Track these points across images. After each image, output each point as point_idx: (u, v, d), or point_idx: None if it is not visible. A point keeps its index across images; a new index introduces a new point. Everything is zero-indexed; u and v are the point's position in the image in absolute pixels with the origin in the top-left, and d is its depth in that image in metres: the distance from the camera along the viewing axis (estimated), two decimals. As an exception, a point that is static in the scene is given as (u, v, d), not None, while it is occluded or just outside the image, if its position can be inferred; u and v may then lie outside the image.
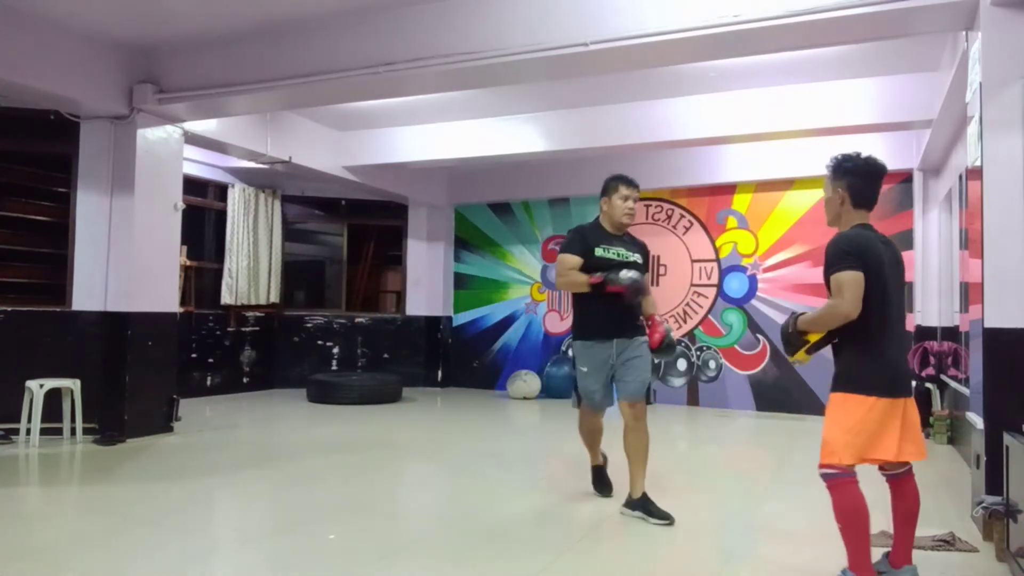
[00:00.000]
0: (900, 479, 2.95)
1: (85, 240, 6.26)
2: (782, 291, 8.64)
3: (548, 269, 10.14)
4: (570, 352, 4.26)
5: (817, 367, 8.25)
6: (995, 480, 3.46)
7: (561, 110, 7.74)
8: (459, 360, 10.68)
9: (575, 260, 3.99)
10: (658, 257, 9.34)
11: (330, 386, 8.77)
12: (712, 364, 8.96)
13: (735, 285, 8.91)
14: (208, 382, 9.04)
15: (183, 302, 8.12)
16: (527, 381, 9.58)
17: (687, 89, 6.93)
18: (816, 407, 8.30)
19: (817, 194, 8.48)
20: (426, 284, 10.63)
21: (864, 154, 2.97)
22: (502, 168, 9.89)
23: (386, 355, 10.34)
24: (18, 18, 5.36)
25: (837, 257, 2.81)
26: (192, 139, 6.91)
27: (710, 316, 9.02)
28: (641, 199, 9.46)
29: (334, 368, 10.07)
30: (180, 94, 6.10)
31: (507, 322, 10.38)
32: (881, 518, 3.95)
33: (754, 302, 8.79)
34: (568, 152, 7.93)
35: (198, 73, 6.06)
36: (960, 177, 5.78)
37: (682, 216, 9.22)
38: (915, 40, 5.46)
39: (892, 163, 7.93)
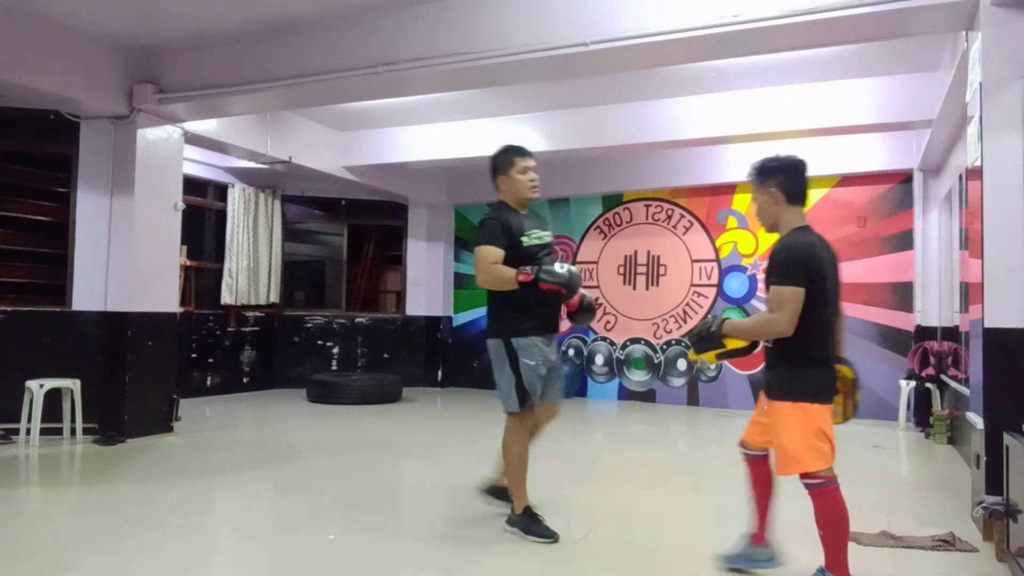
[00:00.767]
0: (759, 460, 3.13)
1: (85, 240, 6.26)
2: (782, 291, 8.62)
3: (548, 269, 10.13)
4: (490, 350, 3.70)
5: (817, 367, 8.29)
6: (995, 480, 3.46)
7: (561, 110, 7.74)
8: (459, 360, 10.68)
9: (498, 253, 3.51)
10: (658, 257, 9.34)
11: (330, 386, 8.77)
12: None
13: (735, 285, 8.91)
14: (208, 382, 9.04)
15: (183, 302, 8.12)
16: (527, 381, 9.56)
17: (687, 89, 6.93)
18: (816, 407, 8.30)
19: (818, 193, 8.48)
20: (426, 284, 10.63)
21: (786, 153, 3.01)
22: (502, 168, 9.88)
23: (386, 355, 10.34)
24: (18, 18, 5.36)
25: (783, 268, 2.78)
26: (192, 139, 6.91)
27: (710, 316, 9.00)
28: (641, 199, 9.64)
29: (334, 368, 10.07)
30: (180, 94, 6.10)
31: (507, 322, 10.37)
32: (881, 518, 3.96)
33: (754, 302, 8.79)
34: (568, 152, 7.93)
35: (198, 73, 6.06)
36: (960, 177, 5.79)
37: (682, 216, 9.22)
38: (915, 40, 5.46)
39: (892, 163, 8.08)
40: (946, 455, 6.06)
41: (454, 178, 10.59)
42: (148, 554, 3.30)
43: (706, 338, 2.92)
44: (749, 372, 8.74)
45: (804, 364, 2.87)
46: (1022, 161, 3.63)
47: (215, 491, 4.66)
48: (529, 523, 3.53)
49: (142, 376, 6.16)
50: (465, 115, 8.01)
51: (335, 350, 10.18)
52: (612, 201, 9.64)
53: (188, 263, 8.45)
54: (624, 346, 9.49)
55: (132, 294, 6.15)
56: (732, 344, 2.89)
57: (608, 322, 9.55)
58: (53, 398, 5.85)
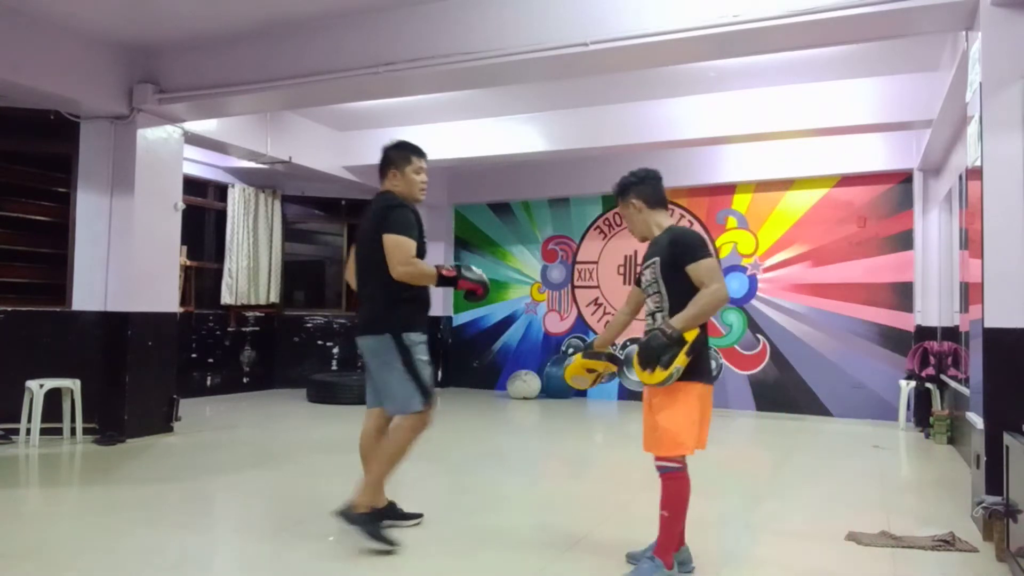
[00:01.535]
0: None
1: (85, 240, 6.25)
2: (782, 291, 8.64)
3: (548, 269, 10.15)
4: (371, 348, 3.47)
5: (819, 367, 8.30)
6: (995, 480, 3.47)
7: (561, 110, 7.74)
8: (459, 360, 10.68)
9: (414, 245, 3.38)
10: (658, 257, 9.33)
11: (330, 386, 8.77)
12: (712, 364, 8.94)
13: (735, 285, 8.90)
14: (208, 382, 9.04)
15: (183, 302, 8.12)
16: (527, 381, 9.58)
17: (687, 89, 6.93)
18: (816, 407, 8.31)
19: (818, 194, 8.50)
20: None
21: (637, 169, 3.19)
22: (502, 168, 9.89)
23: (386, 355, 10.33)
24: (18, 18, 5.36)
25: (694, 247, 2.91)
26: (192, 139, 6.91)
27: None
28: (641, 199, 9.61)
29: (334, 368, 10.07)
30: (180, 94, 6.10)
31: (507, 322, 10.39)
32: (881, 518, 3.96)
33: (754, 302, 8.79)
34: (568, 152, 7.94)
35: (198, 73, 6.06)
36: (960, 177, 5.79)
37: (682, 216, 9.21)
38: (915, 40, 5.47)
39: (892, 163, 8.09)
40: (946, 455, 6.06)
41: (454, 178, 10.59)
42: (148, 554, 3.30)
43: (669, 344, 2.80)
44: (749, 372, 8.74)
45: (697, 345, 2.87)
46: (1022, 161, 3.63)
47: (215, 491, 4.66)
48: (373, 527, 3.32)
49: (142, 376, 6.16)
50: (465, 115, 8.01)
51: (335, 350, 10.18)
52: (612, 201, 9.56)
53: (188, 263, 8.45)
54: (624, 346, 9.49)
55: (132, 294, 6.15)
56: (691, 336, 2.84)
57: (608, 322, 9.54)
58: (53, 398, 5.85)
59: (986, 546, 3.50)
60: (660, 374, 2.80)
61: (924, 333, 7.40)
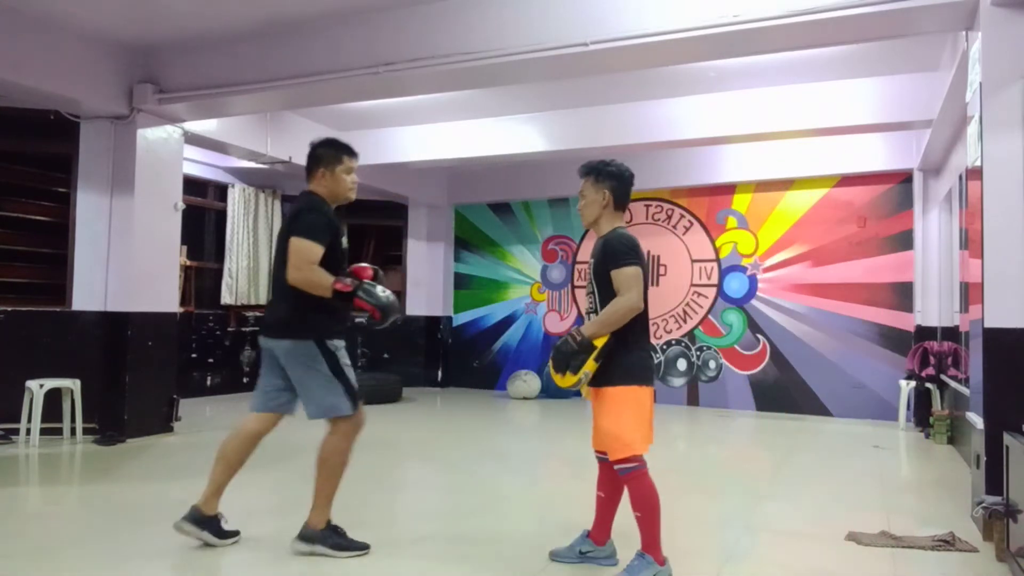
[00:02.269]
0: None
1: (85, 240, 6.25)
2: (782, 291, 8.64)
3: (548, 269, 10.15)
4: (291, 353, 3.28)
5: (819, 367, 8.30)
6: (995, 480, 3.47)
7: (561, 110, 7.74)
8: (459, 360, 10.68)
9: (319, 252, 3.17)
10: (658, 257, 9.34)
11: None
12: (712, 364, 8.96)
13: (735, 285, 8.91)
14: (208, 382, 9.04)
15: (183, 302, 8.12)
16: (527, 381, 9.58)
17: (687, 89, 6.93)
18: (816, 407, 8.31)
19: (818, 193, 8.50)
20: (426, 284, 10.64)
21: (618, 161, 3.19)
22: (502, 168, 9.90)
23: (386, 355, 10.34)
24: (18, 18, 5.36)
25: (621, 253, 2.96)
26: (192, 139, 6.91)
27: (710, 316, 9.02)
28: (641, 199, 9.64)
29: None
30: (180, 94, 6.10)
31: (507, 322, 10.39)
32: (882, 517, 3.96)
33: (754, 302, 8.79)
34: (568, 152, 7.93)
35: (198, 73, 6.06)
36: (960, 177, 5.79)
37: (682, 216, 9.22)
38: (915, 40, 5.47)
39: (892, 163, 8.09)
40: (946, 455, 6.06)
41: (454, 178, 10.59)
42: (148, 554, 3.30)
43: (579, 350, 2.90)
44: (749, 372, 8.74)
45: (635, 348, 2.98)
46: (1022, 161, 3.63)
47: (215, 491, 4.65)
48: (336, 538, 3.28)
49: (142, 376, 6.16)
50: (465, 115, 8.01)
51: (335, 350, 10.16)
52: (612, 201, 9.62)
53: (188, 263, 8.45)
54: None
55: (132, 294, 6.14)
56: (600, 343, 2.91)
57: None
58: (53, 398, 5.85)
59: (986, 546, 3.50)
60: (571, 378, 2.91)
61: (924, 333, 7.40)
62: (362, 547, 3.31)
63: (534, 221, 10.27)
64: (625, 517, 3.14)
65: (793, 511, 4.31)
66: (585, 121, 7.66)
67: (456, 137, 8.29)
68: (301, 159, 8.59)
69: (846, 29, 4.41)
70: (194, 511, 3.39)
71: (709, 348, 8.99)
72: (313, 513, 3.31)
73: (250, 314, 9.54)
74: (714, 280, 9.03)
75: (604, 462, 3.14)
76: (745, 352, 8.79)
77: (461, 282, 10.77)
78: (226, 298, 9.16)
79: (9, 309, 6.06)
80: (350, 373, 3.33)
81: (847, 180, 8.32)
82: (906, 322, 7.94)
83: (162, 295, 6.41)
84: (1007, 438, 3.36)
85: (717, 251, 9.04)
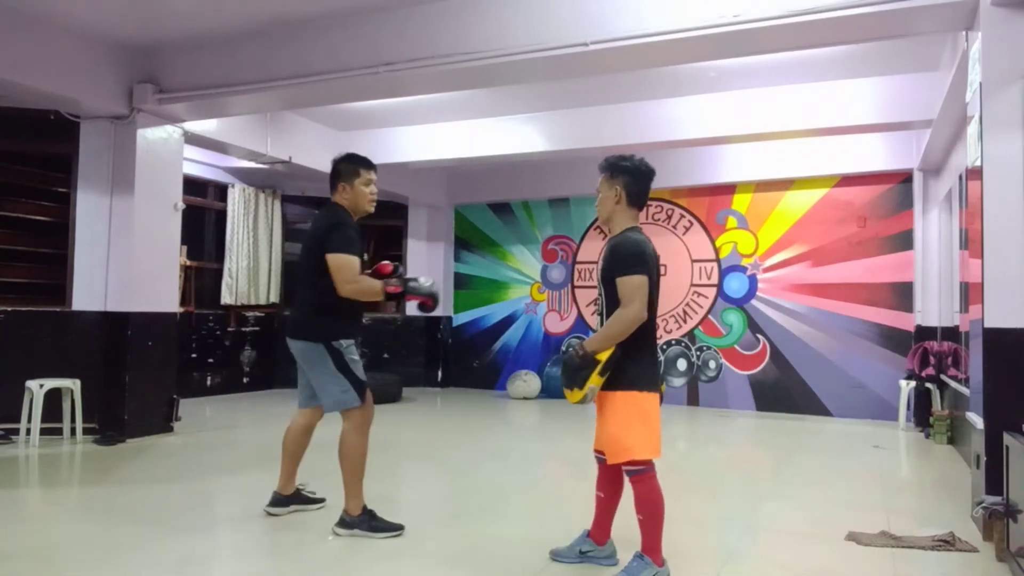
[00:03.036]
0: (614, 466, 3.05)
1: (85, 240, 6.25)
2: (782, 291, 8.64)
3: (548, 269, 10.15)
4: (303, 353, 3.60)
5: (819, 367, 8.30)
6: (995, 480, 3.47)
7: (561, 110, 7.74)
8: (459, 360, 10.68)
9: (358, 263, 3.51)
10: (658, 257, 9.33)
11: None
12: (712, 364, 8.96)
13: (735, 285, 8.91)
14: (208, 382, 9.03)
15: (183, 302, 8.12)
16: (527, 381, 9.58)
17: (687, 89, 6.93)
18: (816, 407, 8.31)
19: (818, 194, 8.50)
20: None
21: (637, 157, 3.17)
22: (502, 168, 9.89)
23: (386, 355, 10.35)
24: (18, 18, 5.36)
25: (627, 261, 2.96)
26: (192, 139, 6.91)
27: (710, 316, 9.02)
28: (641, 199, 9.61)
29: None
30: (180, 94, 6.10)
31: (507, 322, 10.39)
32: (882, 517, 3.96)
33: (754, 302, 8.79)
34: (568, 152, 7.94)
35: (198, 73, 6.06)
36: (960, 177, 5.79)
37: (682, 216, 9.22)
38: (915, 40, 5.47)
39: (892, 163, 8.09)
40: (946, 455, 6.06)
41: (454, 178, 10.59)
42: (148, 554, 3.30)
43: (582, 365, 2.91)
44: (749, 372, 8.74)
45: (639, 353, 2.98)
46: (1022, 161, 3.63)
47: (215, 491, 4.66)
48: (372, 521, 3.53)
49: (142, 376, 6.16)
50: (465, 115, 8.01)
51: (335, 350, 10.16)
52: (612, 201, 9.62)
53: (188, 263, 8.45)
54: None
55: (132, 294, 6.14)
56: (604, 356, 2.92)
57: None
58: (53, 398, 5.85)
59: (986, 546, 3.50)
60: (578, 393, 2.92)
61: (924, 333, 7.40)
62: (397, 528, 3.54)
63: (534, 221, 10.27)
64: (624, 518, 3.14)
65: (793, 511, 4.32)
66: (585, 121, 7.66)
67: (456, 137, 8.29)
68: (301, 159, 8.66)
69: (846, 29, 4.41)
70: (275, 495, 3.88)
71: (709, 348, 8.99)
72: (347, 502, 3.55)
73: (250, 314, 9.55)
74: (714, 280, 9.03)
75: (604, 463, 3.14)
76: (745, 352, 8.79)
77: (461, 282, 10.77)
78: (226, 298, 9.16)
79: (9, 309, 6.06)
80: (357, 368, 3.56)
81: (847, 180, 8.32)
82: (906, 322, 7.94)
83: (162, 295, 6.41)
84: (1007, 438, 3.36)
85: (717, 251, 9.04)
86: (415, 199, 10.42)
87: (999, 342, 3.60)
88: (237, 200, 9.27)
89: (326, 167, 9.23)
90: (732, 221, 8.98)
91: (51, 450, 5.67)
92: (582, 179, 9.36)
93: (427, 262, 10.65)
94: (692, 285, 9.14)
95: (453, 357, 10.71)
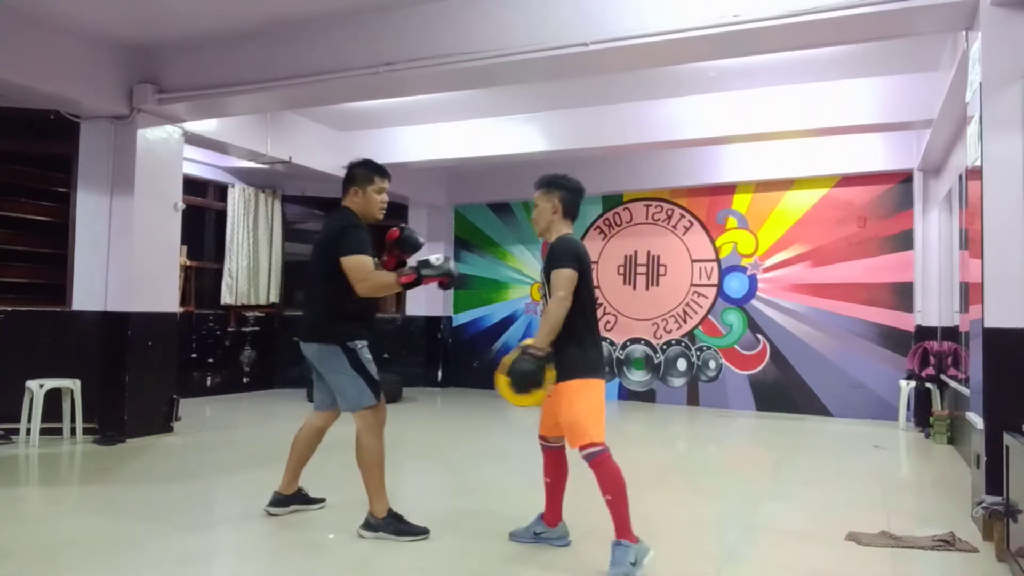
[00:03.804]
0: (560, 450, 3.45)
1: (85, 240, 6.25)
2: (782, 291, 8.64)
3: (548, 269, 10.14)
4: (317, 355, 3.61)
5: (819, 367, 8.30)
6: (995, 480, 3.47)
7: (561, 110, 7.74)
8: (459, 360, 10.68)
9: (371, 261, 3.55)
10: (658, 257, 9.35)
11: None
12: (712, 364, 8.96)
13: (735, 285, 8.91)
14: (208, 382, 9.03)
15: (183, 302, 8.12)
16: (527, 381, 9.56)
17: (687, 89, 6.93)
18: (816, 407, 8.31)
19: (818, 194, 8.50)
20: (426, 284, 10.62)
21: (571, 175, 3.45)
22: (502, 168, 9.88)
23: (386, 355, 10.33)
24: (18, 18, 5.36)
25: (560, 257, 3.18)
26: (192, 139, 6.91)
27: (710, 316, 9.02)
28: (641, 199, 9.65)
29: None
30: (180, 94, 6.10)
31: (507, 322, 10.39)
32: (881, 518, 3.96)
33: (754, 302, 8.79)
34: (568, 152, 7.94)
35: (198, 73, 6.06)
36: (960, 177, 5.79)
37: (682, 216, 9.22)
38: (915, 40, 5.47)
39: (892, 163, 8.09)
40: (946, 455, 6.06)
41: (454, 178, 10.59)
42: (148, 554, 3.30)
43: (537, 367, 3.02)
44: (749, 372, 8.74)
45: (586, 344, 3.20)
46: (1022, 161, 3.63)
47: (215, 491, 4.66)
48: (398, 524, 3.53)
49: (142, 376, 6.16)
50: (465, 115, 8.01)
51: (335, 350, 10.15)
52: (612, 201, 9.64)
53: (188, 263, 8.45)
54: (624, 346, 9.50)
55: (132, 294, 6.14)
56: (548, 349, 3.09)
57: (608, 322, 9.55)
58: (53, 398, 5.84)
59: (986, 546, 3.50)
60: (538, 393, 3.08)
61: (924, 333, 7.40)
62: (422, 531, 3.54)
63: (534, 221, 10.26)
64: (581, 503, 3.14)
65: (793, 511, 4.32)
66: (585, 121, 7.66)
67: (456, 137, 8.29)
68: (301, 159, 8.65)
69: (846, 29, 4.41)
70: (276, 495, 3.89)
71: (709, 348, 8.99)
72: (371, 504, 3.57)
73: (250, 314, 9.55)
74: (714, 280, 9.03)
75: (549, 450, 3.45)
76: (745, 352, 8.79)
77: (461, 282, 10.77)
78: (226, 298, 9.16)
79: (9, 309, 6.05)
80: (371, 368, 3.61)
81: (847, 180, 8.32)
82: (906, 322, 7.94)
83: (162, 295, 6.41)
84: (1007, 438, 3.36)
85: (717, 251, 9.03)
86: (415, 199, 10.42)
87: (999, 342, 3.60)
88: (237, 200, 9.27)
89: (326, 167, 9.32)
90: (732, 221, 8.98)
91: (51, 450, 5.67)
92: (582, 179, 9.24)
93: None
94: (692, 285, 9.14)
95: (453, 357, 10.71)
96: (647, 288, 9.42)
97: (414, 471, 5.55)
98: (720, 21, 4.47)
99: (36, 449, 5.63)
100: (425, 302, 10.62)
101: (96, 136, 6.26)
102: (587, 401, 3.13)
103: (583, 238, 9.88)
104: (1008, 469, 3.33)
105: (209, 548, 3.51)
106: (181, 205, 6.61)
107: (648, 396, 9.30)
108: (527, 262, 10.31)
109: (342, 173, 3.84)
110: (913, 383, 7.21)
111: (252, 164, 8.21)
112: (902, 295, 8.02)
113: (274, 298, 9.73)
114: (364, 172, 3.70)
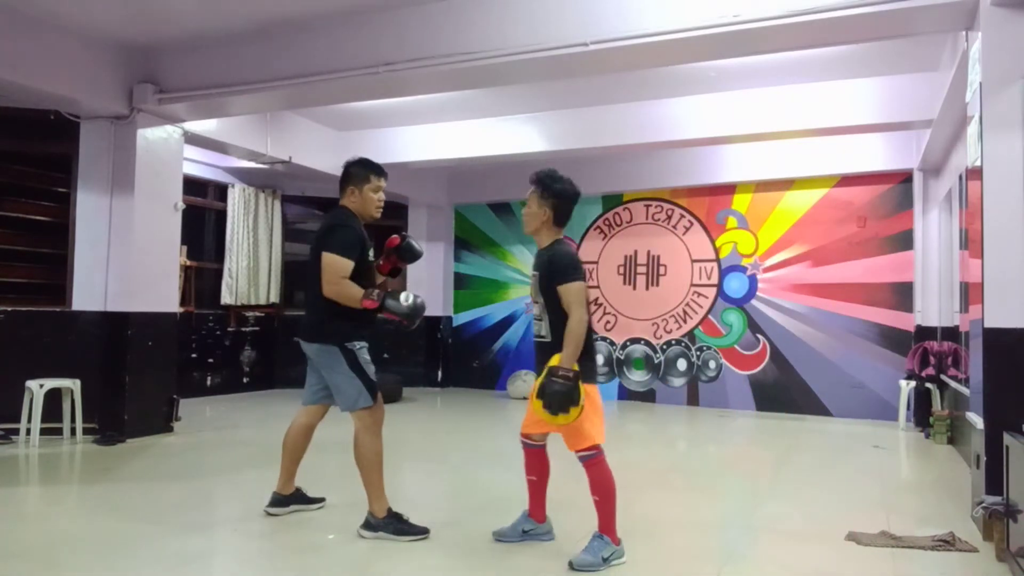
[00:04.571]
0: (542, 449, 3.49)
1: (85, 240, 6.25)
2: (782, 291, 8.64)
3: (548, 269, 10.14)
4: (316, 354, 3.63)
5: (819, 367, 8.30)
6: (995, 480, 3.47)
7: (561, 110, 7.74)
8: (459, 360, 10.68)
9: (349, 266, 3.48)
10: (658, 257, 9.34)
11: (330, 386, 8.75)
12: (712, 364, 8.96)
13: (735, 285, 8.91)
14: (208, 382, 9.03)
15: (183, 302, 8.12)
16: (527, 381, 9.57)
17: (687, 89, 6.93)
18: (816, 407, 8.31)
19: (818, 194, 8.50)
20: (426, 284, 10.63)
21: (567, 176, 3.44)
22: (502, 168, 9.87)
23: (386, 355, 10.33)
24: (18, 18, 5.36)
25: (566, 270, 3.22)
26: (192, 139, 6.91)
27: (710, 316, 9.02)
28: (641, 199, 9.65)
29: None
30: (180, 94, 6.10)
31: (507, 322, 10.38)
32: (881, 518, 3.96)
33: (754, 302, 8.79)
34: (568, 152, 7.94)
35: (198, 73, 6.06)
36: (960, 177, 5.79)
37: (682, 216, 9.22)
38: (915, 40, 5.46)
39: (892, 163, 8.09)
40: (946, 455, 6.06)
41: (454, 178, 10.59)
42: (148, 554, 3.30)
43: (571, 387, 3.06)
44: (749, 372, 8.74)
45: (586, 351, 3.22)
46: (1022, 161, 3.63)
47: (215, 491, 4.67)
48: (398, 524, 3.53)
49: (142, 376, 6.16)
50: (465, 115, 8.01)
51: (335, 350, 10.15)
52: (612, 201, 9.64)
53: (188, 263, 8.45)
54: (624, 346, 9.50)
55: (132, 294, 6.14)
56: (576, 366, 3.13)
57: (608, 322, 9.55)
58: (53, 398, 5.84)
59: (986, 546, 3.50)
60: (575, 410, 3.09)
61: (924, 333, 7.40)
62: (422, 531, 3.54)
63: (534, 221, 10.26)
64: (566, 501, 3.14)
65: (793, 511, 4.31)
66: (585, 121, 7.66)
67: (456, 137, 8.29)
68: (301, 159, 8.65)
69: (846, 29, 4.41)
70: (275, 496, 3.89)
71: (709, 348, 8.99)
72: (371, 504, 3.57)
73: (250, 314, 9.54)
74: (714, 280, 9.03)
75: (531, 448, 3.48)
76: (745, 352, 8.79)
77: (461, 282, 10.77)
78: (226, 298, 9.16)
79: (9, 309, 6.05)
80: (369, 369, 3.63)
81: (847, 180, 8.32)
82: (906, 322, 7.94)
83: (162, 295, 6.41)
84: (1007, 438, 3.36)
85: (717, 251, 9.03)
86: (415, 199, 10.42)
87: (999, 342, 3.60)
88: (237, 200, 9.27)
89: (326, 167, 9.33)
90: (732, 221, 8.98)
91: (51, 450, 5.67)
92: (582, 179, 9.17)
93: (427, 262, 10.64)
94: (692, 285, 9.14)
95: (453, 357, 10.71)
96: (647, 288, 9.41)
97: (414, 471, 5.55)
98: (720, 21, 4.47)
99: (36, 449, 5.63)
100: (425, 302, 10.60)
101: (96, 136, 6.26)
102: (589, 406, 3.17)
103: (583, 238, 9.88)
104: (1008, 469, 3.33)
105: (209, 548, 3.51)
106: (181, 205, 6.61)
107: (648, 396, 9.30)
108: (527, 262, 10.30)
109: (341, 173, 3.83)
110: (913, 383, 7.21)
111: (252, 164, 8.21)
112: (902, 295, 8.02)
113: (274, 298, 9.73)
114: (360, 171, 3.71)
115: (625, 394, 9.43)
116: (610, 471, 3.18)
